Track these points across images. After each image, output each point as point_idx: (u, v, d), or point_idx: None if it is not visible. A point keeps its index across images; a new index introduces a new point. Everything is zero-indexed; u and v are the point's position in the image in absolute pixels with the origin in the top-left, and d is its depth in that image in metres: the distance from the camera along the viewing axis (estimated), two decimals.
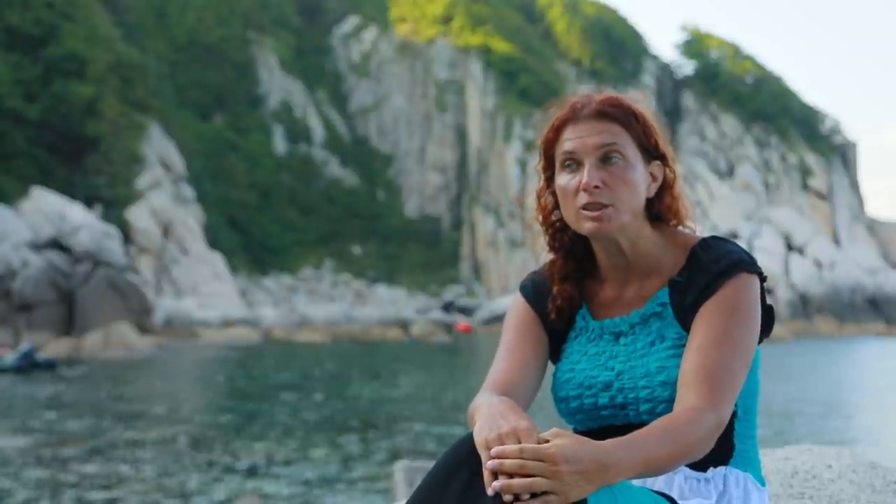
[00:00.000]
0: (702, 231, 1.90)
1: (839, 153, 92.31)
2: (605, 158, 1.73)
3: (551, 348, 1.88)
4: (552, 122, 1.79)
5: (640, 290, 1.81)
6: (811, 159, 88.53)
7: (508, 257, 74.51)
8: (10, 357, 26.22)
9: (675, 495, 1.70)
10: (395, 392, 21.50)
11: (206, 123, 75.23)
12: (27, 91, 53.59)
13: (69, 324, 35.39)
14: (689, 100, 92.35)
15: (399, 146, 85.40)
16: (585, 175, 1.71)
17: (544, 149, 1.82)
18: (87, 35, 57.07)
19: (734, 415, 1.74)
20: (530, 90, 78.34)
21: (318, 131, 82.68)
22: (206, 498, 9.98)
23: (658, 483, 1.71)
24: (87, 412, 16.88)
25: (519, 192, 73.09)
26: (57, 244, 38.52)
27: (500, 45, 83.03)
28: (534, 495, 1.42)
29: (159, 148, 59.37)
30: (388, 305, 66.57)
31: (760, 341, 1.75)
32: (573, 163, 1.75)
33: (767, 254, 70.45)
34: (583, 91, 1.88)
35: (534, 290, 1.89)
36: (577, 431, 1.81)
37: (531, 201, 1.89)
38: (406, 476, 5.04)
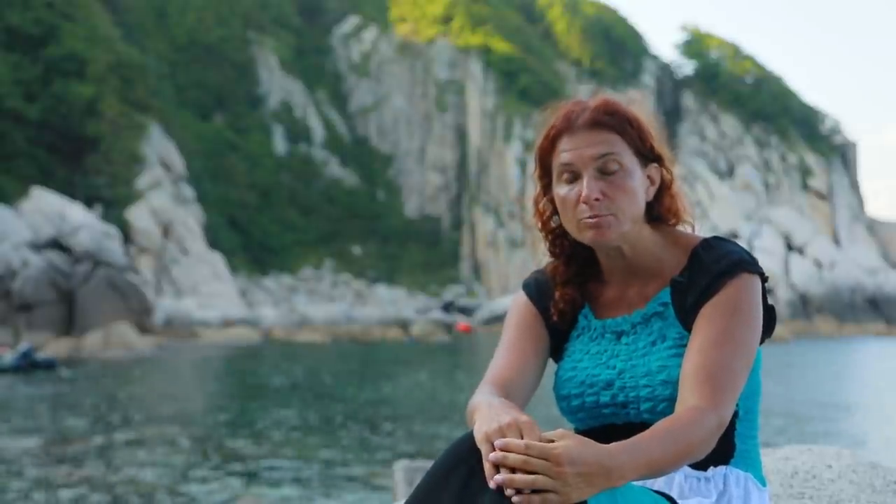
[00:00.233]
0: (702, 231, 1.90)
1: (839, 153, 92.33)
2: (604, 169, 1.73)
3: (553, 347, 1.89)
4: (547, 132, 1.78)
5: (642, 291, 1.81)
6: (811, 159, 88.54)
7: (508, 257, 74.52)
8: (9, 357, 26.16)
9: (674, 494, 1.70)
10: (395, 392, 21.50)
11: (206, 123, 75.24)
12: (27, 91, 53.60)
13: (69, 324, 35.40)
14: (689, 100, 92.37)
15: (399, 146, 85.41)
16: (585, 188, 1.71)
17: (540, 157, 1.81)
18: (87, 35, 57.08)
19: (735, 414, 1.75)
20: (530, 90, 78.36)
21: (318, 131, 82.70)
22: (206, 498, 9.98)
23: (658, 482, 1.71)
24: (86, 412, 16.88)
25: (519, 192, 73.14)
26: (57, 244, 38.52)
27: (500, 45, 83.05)
28: (535, 491, 1.42)
29: (159, 148, 59.39)
30: (388, 305, 66.59)
31: (762, 341, 1.76)
32: (571, 174, 1.74)
33: (767, 254, 70.45)
34: (579, 94, 1.88)
35: (537, 289, 1.90)
36: (578, 430, 1.82)
37: (530, 206, 1.89)
38: (406, 476, 5.04)
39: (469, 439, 1.53)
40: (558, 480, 1.42)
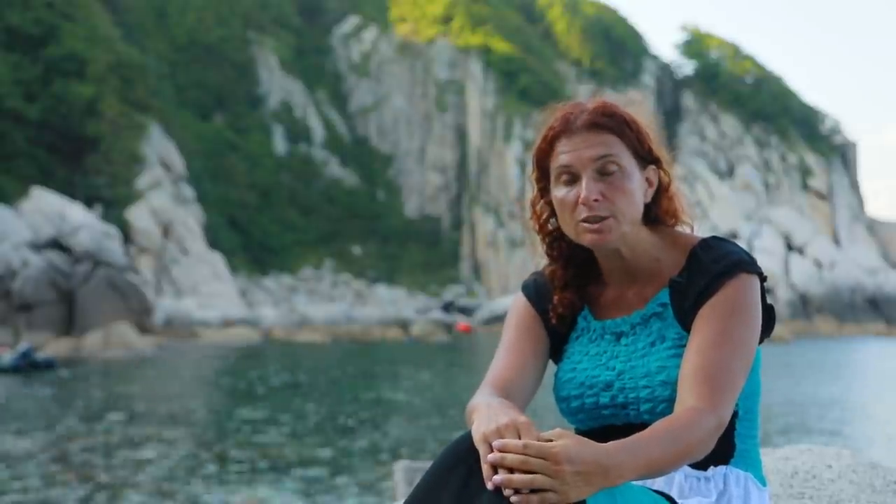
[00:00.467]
0: (701, 231, 1.90)
1: (839, 153, 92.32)
2: (602, 170, 1.72)
3: (553, 348, 1.89)
4: (545, 134, 1.78)
5: (641, 291, 1.81)
6: (811, 159, 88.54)
7: (508, 257, 74.53)
8: (8, 357, 26.08)
9: (674, 494, 1.70)
10: (395, 392, 21.50)
11: (206, 123, 75.24)
12: (27, 91, 53.60)
13: (69, 324, 35.40)
14: (689, 100, 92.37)
15: (399, 146, 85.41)
16: (584, 189, 1.71)
17: (537, 160, 1.81)
18: (87, 35, 57.08)
19: (735, 414, 1.75)
20: (530, 90, 78.37)
21: (318, 131, 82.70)
22: (205, 498, 9.98)
23: (658, 481, 1.71)
24: (86, 412, 16.88)
25: (519, 192, 73.14)
26: (57, 244, 38.52)
27: (500, 45, 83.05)
28: (533, 491, 1.42)
29: (159, 148, 59.39)
30: (388, 305, 66.59)
31: (761, 342, 1.76)
32: (570, 175, 1.74)
33: (767, 254, 70.47)
34: (579, 94, 1.88)
35: (536, 290, 1.90)
36: (578, 431, 1.82)
37: (527, 209, 1.89)
38: (406, 476, 5.04)
39: (467, 439, 1.53)
40: (556, 479, 1.42)
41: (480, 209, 78.26)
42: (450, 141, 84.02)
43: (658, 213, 1.81)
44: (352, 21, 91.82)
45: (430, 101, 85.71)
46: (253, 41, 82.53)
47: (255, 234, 71.35)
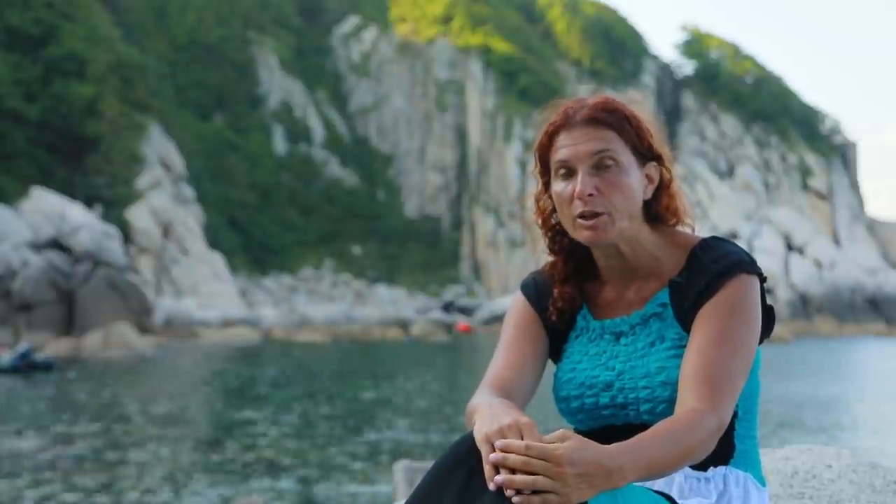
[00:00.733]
0: (702, 231, 1.89)
1: (839, 153, 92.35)
2: (599, 165, 1.72)
3: (552, 348, 1.88)
4: (545, 129, 1.79)
5: (640, 291, 1.81)
6: (811, 159, 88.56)
7: (508, 257, 74.52)
8: (7, 358, 26.02)
9: (674, 494, 1.70)
10: (395, 392, 21.50)
11: (206, 123, 75.24)
12: (27, 91, 53.60)
13: (69, 324, 35.40)
14: (689, 100, 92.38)
15: (399, 146, 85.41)
16: (579, 183, 1.71)
17: (539, 154, 1.81)
18: (87, 35, 57.08)
19: (735, 415, 1.75)
20: (530, 90, 78.37)
21: (318, 131, 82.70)
22: (206, 498, 9.98)
23: (658, 482, 1.71)
24: (86, 412, 16.88)
25: (519, 192, 73.14)
26: (57, 244, 38.53)
27: (500, 45, 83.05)
28: (535, 492, 1.42)
29: (159, 148, 59.39)
30: (388, 305, 66.60)
31: (761, 342, 1.75)
32: (567, 170, 1.74)
33: (767, 254, 70.49)
34: (579, 94, 1.88)
35: (535, 290, 1.89)
36: (577, 431, 1.82)
37: (530, 203, 1.89)
38: (406, 476, 5.03)
39: (469, 440, 1.53)
40: (558, 481, 1.42)
41: (480, 209, 78.26)
42: (450, 141, 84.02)
43: (658, 210, 1.80)
44: (352, 21, 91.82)
45: (430, 101, 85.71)
46: (253, 41, 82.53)
47: (255, 234, 71.35)
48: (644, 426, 1.66)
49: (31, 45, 54.99)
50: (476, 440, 1.51)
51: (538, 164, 1.83)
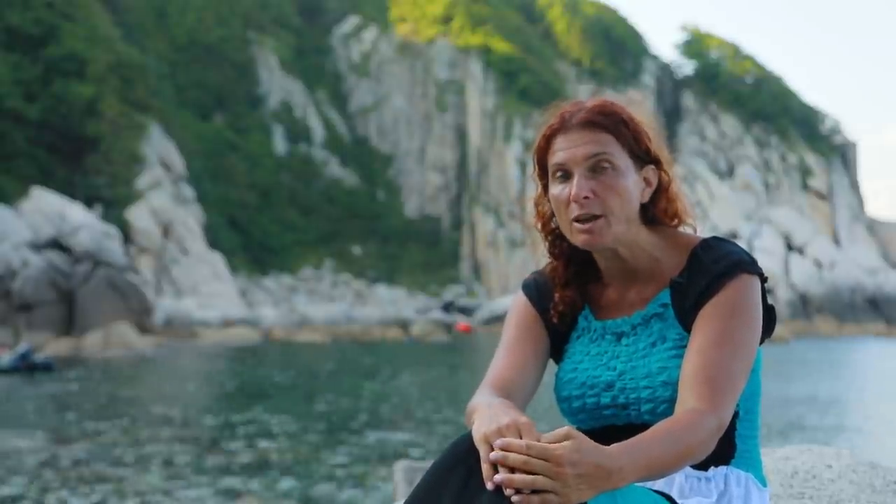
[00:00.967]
0: (702, 231, 1.89)
1: (839, 153, 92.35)
2: (595, 168, 1.72)
3: (554, 348, 1.89)
4: (543, 132, 1.79)
5: (641, 292, 1.81)
6: (811, 159, 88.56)
7: (508, 257, 74.52)
8: (6, 358, 26.01)
9: (675, 494, 1.70)
10: (395, 392, 21.50)
11: (206, 123, 75.24)
12: (27, 91, 53.59)
13: (69, 324, 35.40)
14: (689, 100, 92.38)
15: (399, 146, 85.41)
16: (574, 186, 1.71)
17: (537, 158, 1.82)
18: (87, 35, 57.07)
19: (736, 415, 1.75)
20: (530, 90, 78.36)
21: (318, 131, 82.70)
22: (205, 498, 9.98)
23: (658, 482, 1.71)
24: (86, 412, 16.88)
25: (519, 192, 73.18)
26: (57, 244, 38.52)
27: (500, 45, 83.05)
28: (534, 492, 1.42)
29: (159, 148, 59.38)
30: (388, 305, 66.60)
31: (762, 342, 1.76)
32: (563, 173, 1.74)
33: (767, 254, 70.48)
34: (579, 94, 1.88)
35: (536, 289, 1.90)
36: (579, 431, 1.82)
37: (530, 207, 1.90)
38: (406, 476, 5.03)
39: (468, 440, 1.54)
40: (558, 481, 1.42)
41: (480, 209, 78.26)
42: (450, 141, 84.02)
43: (656, 213, 1.80)
44: (352, 21, 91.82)
45: (430, 101, 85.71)
46: (253, 41, 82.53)
47: (255, 234, 71.35)
48: (645, 426, 1.66)
49: (31, 45, 54.98)
50: (475, 439, 1.51)
51: (537, 167, 1.83)
